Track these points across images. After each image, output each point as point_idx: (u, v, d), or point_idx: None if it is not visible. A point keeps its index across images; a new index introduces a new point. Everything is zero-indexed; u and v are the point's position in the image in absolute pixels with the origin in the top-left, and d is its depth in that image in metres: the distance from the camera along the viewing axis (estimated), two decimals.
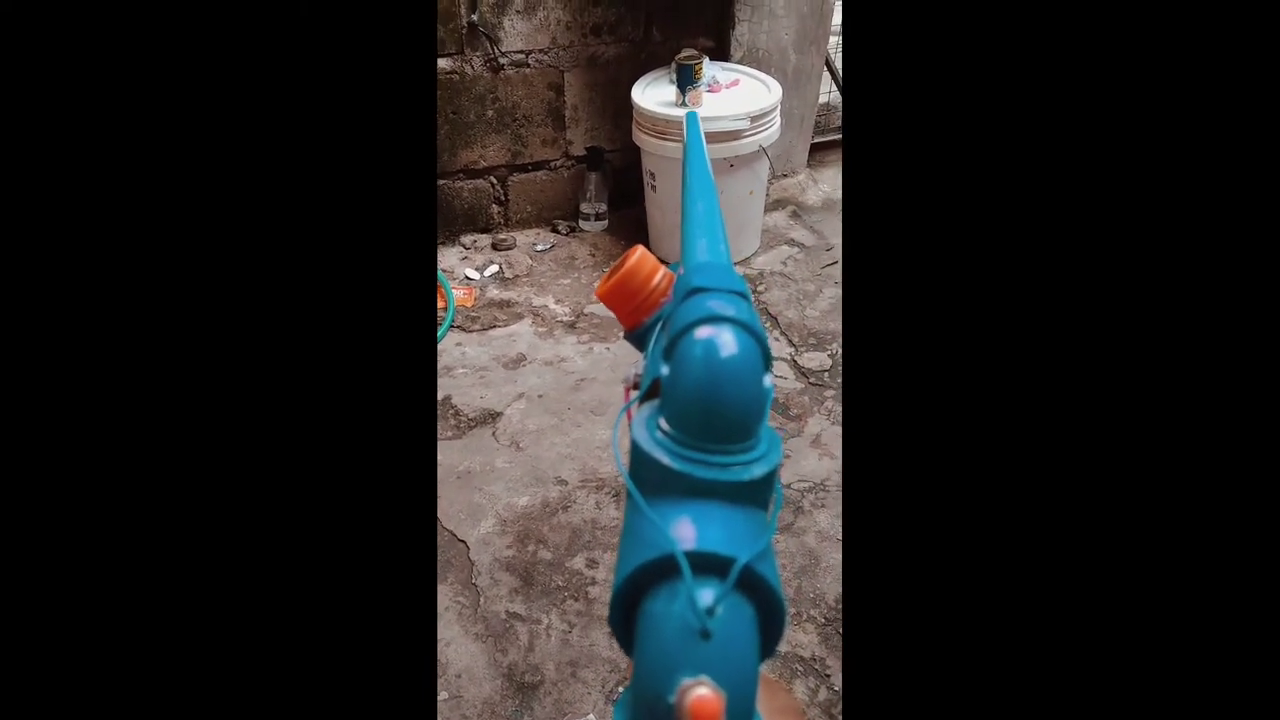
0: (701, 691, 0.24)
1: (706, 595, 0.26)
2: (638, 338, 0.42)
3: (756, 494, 0.29)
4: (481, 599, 1.29)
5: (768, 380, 0.30)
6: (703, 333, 0.30)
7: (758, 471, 0.29)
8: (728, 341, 0.29)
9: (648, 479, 0.30)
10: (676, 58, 1.88)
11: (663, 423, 0.30)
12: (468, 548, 1.37)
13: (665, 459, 0.29)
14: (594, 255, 2.15)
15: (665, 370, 0.30)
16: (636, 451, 0.30)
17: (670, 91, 1.94)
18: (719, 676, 0.25)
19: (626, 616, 0.29)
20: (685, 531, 0.27)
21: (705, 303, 0.31)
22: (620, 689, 1.16)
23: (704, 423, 0.29)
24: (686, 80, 1.88)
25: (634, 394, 0.36)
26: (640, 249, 0.42)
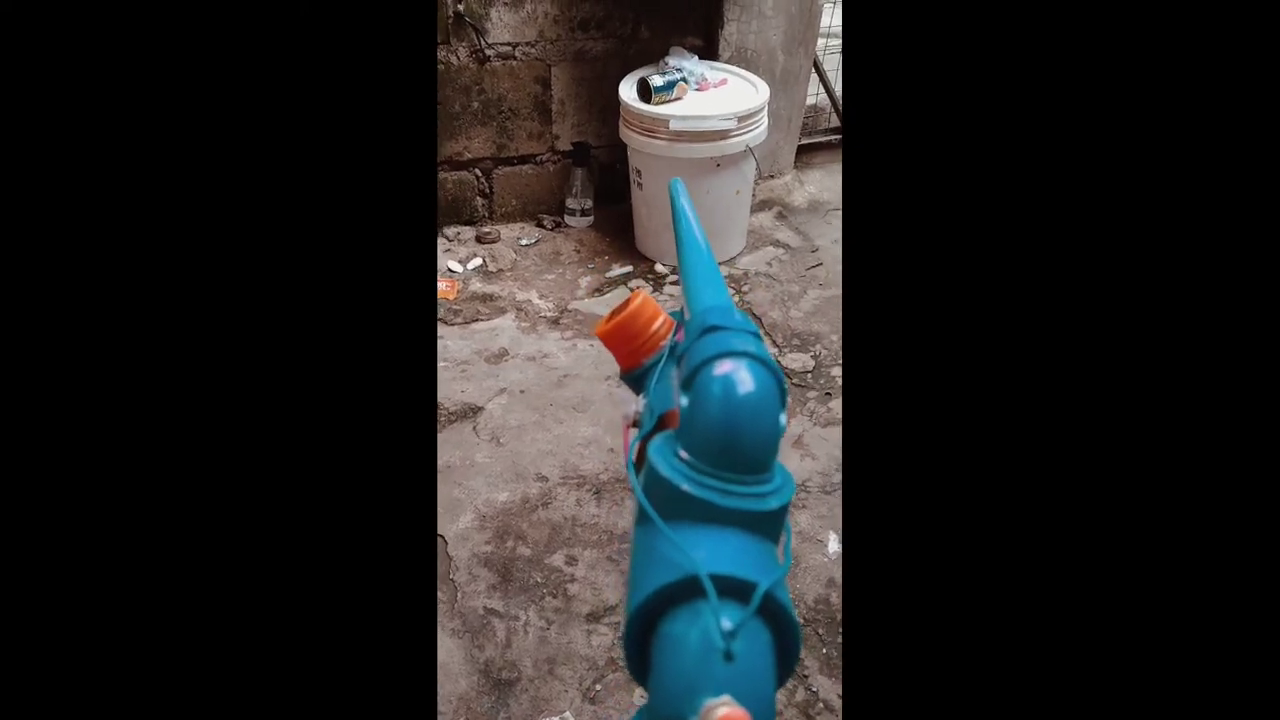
0: (728, 710, 0.25)
1: (728, 619, 0.26)
2: (635, 379, 0.43)
3: (770, 526, 0.30)
4: (459, 594, 1.27)
5: (783, 417, 0.31)
6: (722, 367, 0.30)
7: (773, 504, 0.30)
8: (746, 378, 0.30)
9: (664, 504, 0.30)
10: (653, 77, 1.88)
11: (681, 452, 0.31)
12: (446, 543, 1.36)
13: (685, 485, 0.29)
14: (579, 251, 2.14)
15: (684, 402, 0.31)
16: (653, 476, 0.31)
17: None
18: (740, 699, 0.25)
19: (641, 640, 0.29)
20: (705, 555, 0.28)
21: (724, 339, 0.32)
22: (597, 687, 1.16)
23: (722, 454, 0.30)
24: (663, 89, 1.89)
25: (633, 431, 0.37)
26: (642, 294, 0.43)
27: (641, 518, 0.31)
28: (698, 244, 0.45)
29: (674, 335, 0.42)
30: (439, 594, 1.27)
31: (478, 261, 2.07)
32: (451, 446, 1.54)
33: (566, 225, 2.23)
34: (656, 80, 1.89)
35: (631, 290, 1.97)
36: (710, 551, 0.28)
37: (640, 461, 0.33)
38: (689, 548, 0.28)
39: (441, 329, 1.84)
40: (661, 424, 0.34)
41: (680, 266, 0.45)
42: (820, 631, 1.24)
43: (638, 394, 0.42)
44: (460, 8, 1.91)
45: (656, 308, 0.42)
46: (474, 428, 1.59)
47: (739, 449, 0.30)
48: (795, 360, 1.80)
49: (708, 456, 0.30)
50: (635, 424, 0.39)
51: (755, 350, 0.31)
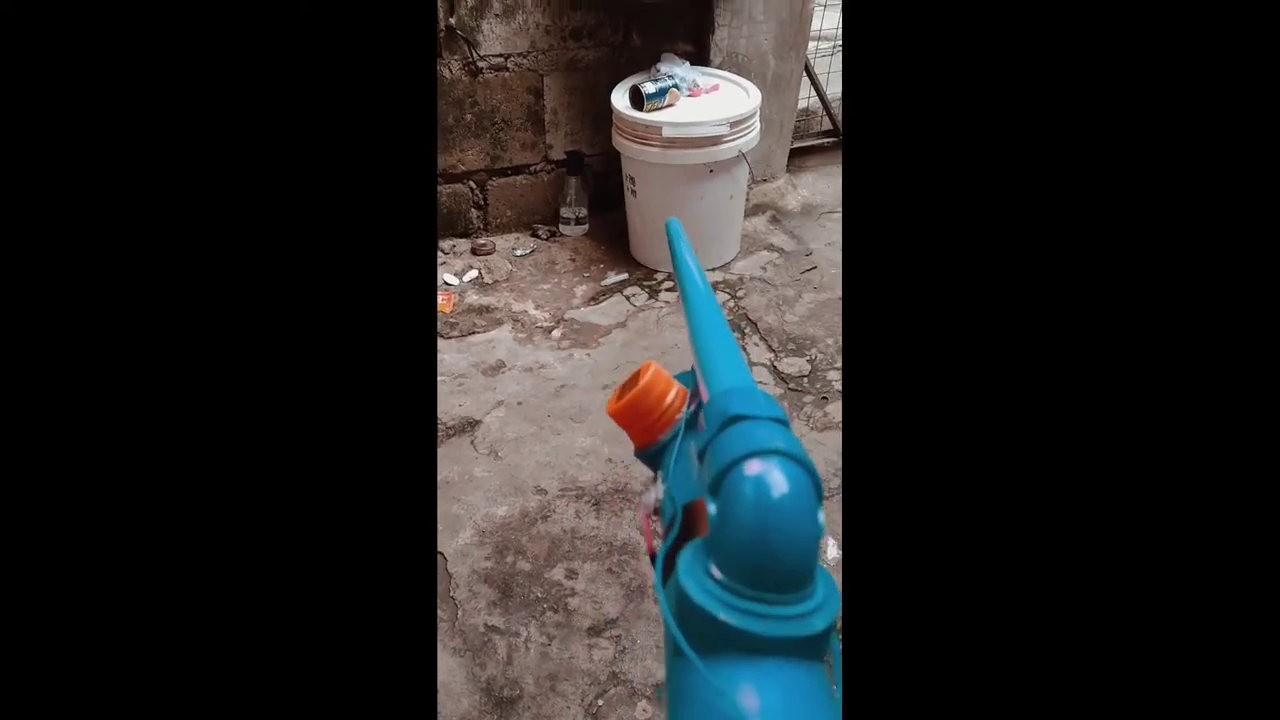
0: None
1: None
2: (650, 457, 0.40)
3: (816, 648, 0.28)
4: (459, 612, 1.27)
5: (821, 516, 0.28)
6: (752, 469, 0.28)
7: (819, 625, 0.28)
8: (779, 480, 0.28)
9: (700, 633, 0.28)
10: (645, 84, 1.88)
11: (714, 570, 0.28)
12: (445, 559, 1.35)
13: (722, 615, 0.27)
14: (574, 260, 2.14)
15: (713, 509, 0.29)
16: (686, 603, 0.28)
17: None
18: None
19: None
20: (752, 701, 0.26)
21: (751, 433, 0.29)
22: (600, 702, 1.15)
23: (759, 569, 0.27)
24: (656, 96, 1.89)
25: (655, 519, 0.35)
26: (653, 366, 0.40)
27: (675, 649, 0.29)
28: (701, 302, 0.42)
29: (689, 406, 0.40)
30: (439, 612, 1.27)
31: (473, 273, 2.07)
32: (450, 461, 1.54)
33: (561, 234, 2.23)
34: (648, 87, 1.89)
35: (627, 299, 1.96)
36: (759, 696, 0.26)
37: (668, 571, 0.30)
38: (734, 691, 0.26)
39: (438, 343, 1.84)
40: (687, 519, 0.32)
41: (691, 330, 0.42)
42: None
43: (654, 472, 0.39)
44: (452, 21, 1.91)
45: (668, 380, 0.39)
46: (472, 442, 1.58)
47: (777, 563, 0.27)
48: (791, 365, 1.79)
49: (743, 573, 0.27)
50: (656, 512, 0.36)
51: (786, 446, 0.29)
